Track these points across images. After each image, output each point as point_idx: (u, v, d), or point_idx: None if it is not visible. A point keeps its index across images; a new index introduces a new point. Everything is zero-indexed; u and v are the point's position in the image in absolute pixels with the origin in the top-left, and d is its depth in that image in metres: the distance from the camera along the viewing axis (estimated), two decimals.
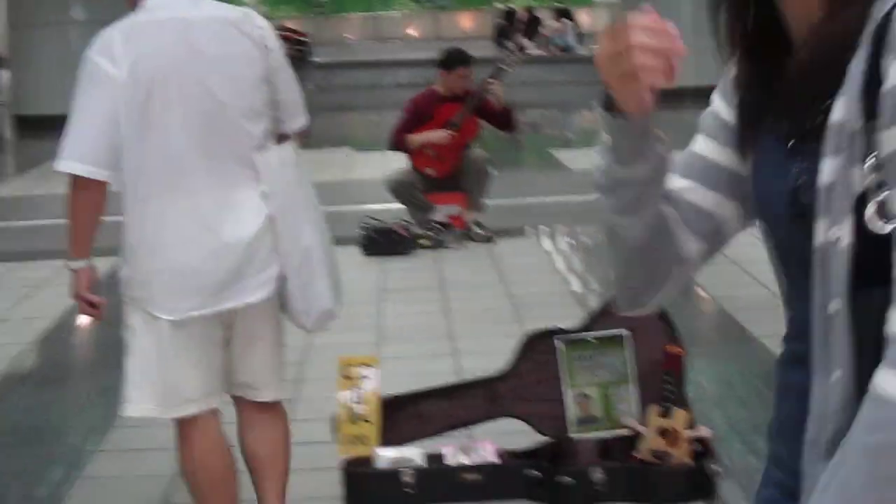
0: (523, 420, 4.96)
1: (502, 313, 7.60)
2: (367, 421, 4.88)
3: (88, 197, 3.99)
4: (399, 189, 9.86)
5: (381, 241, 9.37)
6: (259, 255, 4.01)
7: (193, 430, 4.15)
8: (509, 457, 4.87)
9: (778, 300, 1.68)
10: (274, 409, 4.31)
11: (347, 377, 4.93)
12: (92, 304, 4.14)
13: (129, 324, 4.08)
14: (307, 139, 4.36)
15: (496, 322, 7.42)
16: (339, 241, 9.99)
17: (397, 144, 9.94)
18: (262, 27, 4.07)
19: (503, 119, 10.08)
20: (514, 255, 9.47)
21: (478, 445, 4.90)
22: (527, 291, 8.13)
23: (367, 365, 4.96)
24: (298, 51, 28.02)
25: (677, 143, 1.63)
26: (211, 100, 3.94)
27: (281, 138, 4.10)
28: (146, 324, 4.02)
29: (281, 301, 4.14)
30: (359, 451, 4.85)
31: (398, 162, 10.30)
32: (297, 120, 4.18)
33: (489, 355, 6.15)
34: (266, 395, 4.26)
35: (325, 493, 4.81)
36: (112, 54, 3.88)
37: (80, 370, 7.41)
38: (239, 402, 4.28)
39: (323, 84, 27.67)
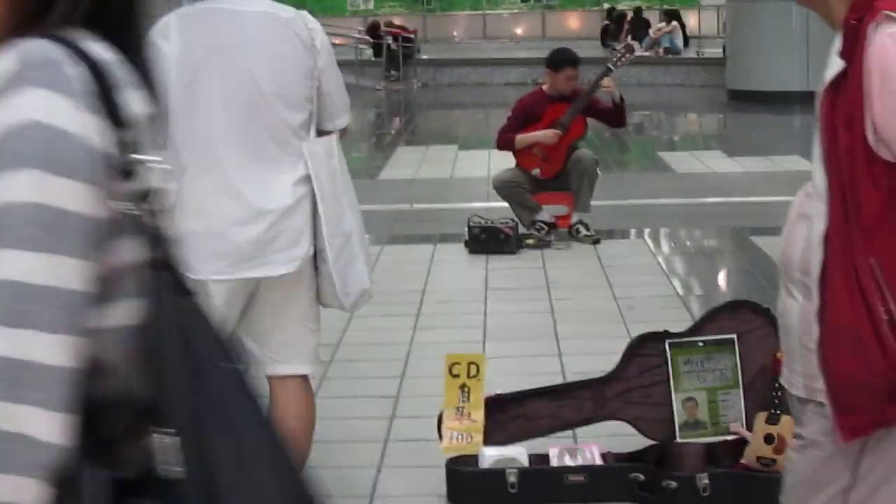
0: (629, 423, 4.94)
1: (607, 314, 7.57)
2: (472, 420, 4.89)
3: None
4: (506, 189, 9.85)
5: (487, 240, 9.36)
6: (287, 232, 4.14)
7: None
8: (614, 459, 4.86)
9: None
10: (299, 383, 4.37)
11: (454, 375, 4.94)
12: None
13: None
14: (347, 136, 4.52)
15: (601, 323, 7.39)
16: (445, 238, 10.13)
17: (504, 144, 9.94)
18: (312, 28, 4.24)
19: (615, 115, 10.07)
20: (620, 256, 9.42)
21: (583, 447, 4.89)
22: (632, 293, 8.08)
23: (474, 363, 4.97)
24: (405, 47, 28.18)
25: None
26: (252, 86, 4.12)
27: (321, 134, 4.26)
28: None
29: (318, 284, 4.24)
30: (464, 449, 4.86)
31: (504, 161, 10.30)
32: (342, 119, 4.35)
33: (594, 356, 6.13)
34: (291, 369, 4.33)
35: (430, 491, 4.83)
36: (167, 35, 4.09)
37: None
38: (270, 380, 4.34)
39: (429, 81, 27.76)
